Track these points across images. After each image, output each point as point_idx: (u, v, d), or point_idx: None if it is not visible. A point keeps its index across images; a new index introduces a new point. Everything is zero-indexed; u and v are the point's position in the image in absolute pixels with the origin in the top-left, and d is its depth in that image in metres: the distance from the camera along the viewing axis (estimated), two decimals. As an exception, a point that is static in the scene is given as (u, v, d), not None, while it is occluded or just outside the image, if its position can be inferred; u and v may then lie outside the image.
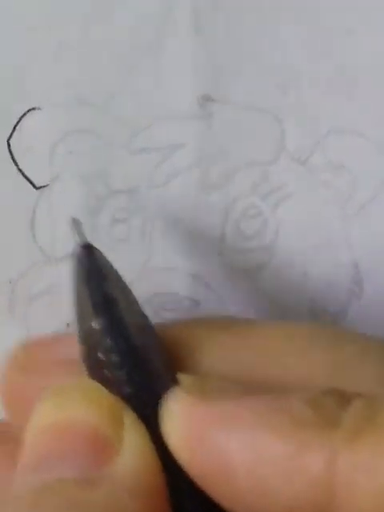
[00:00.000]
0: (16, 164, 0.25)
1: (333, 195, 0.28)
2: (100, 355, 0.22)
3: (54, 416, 0.22)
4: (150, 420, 0.21)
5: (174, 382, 0.22)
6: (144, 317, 0.24)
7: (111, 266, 0.24)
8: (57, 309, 0.27)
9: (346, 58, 0.27)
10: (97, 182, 0.26)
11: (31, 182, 0.26)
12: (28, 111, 0.25)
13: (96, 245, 0.27)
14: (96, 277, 0.23)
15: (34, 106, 0.25)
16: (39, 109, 0.25)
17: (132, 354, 0.22)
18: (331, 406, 0.20)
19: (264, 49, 0.27)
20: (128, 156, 0.26)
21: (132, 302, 0.24)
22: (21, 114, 0.25)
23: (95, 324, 0.22)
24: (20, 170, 0.25)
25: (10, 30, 0.24)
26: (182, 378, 0.22)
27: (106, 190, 0.26)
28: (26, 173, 0.26)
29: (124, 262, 0.27)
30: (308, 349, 0.24)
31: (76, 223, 0.24)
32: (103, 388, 0.22)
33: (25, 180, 0.26)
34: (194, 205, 0.27)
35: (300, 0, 0.26)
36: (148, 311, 0.27)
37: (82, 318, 0.23)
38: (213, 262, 0.28)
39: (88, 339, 0.23)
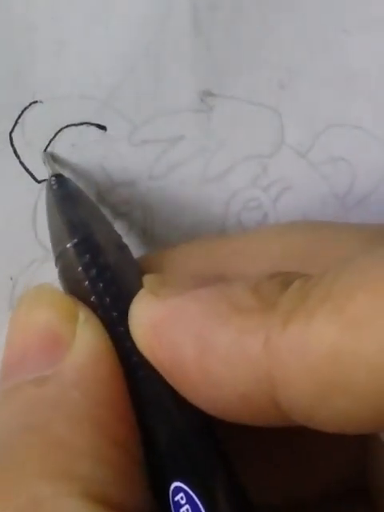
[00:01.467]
0: (18, 157, 0.25)
1: (332, 188, 0.28)
2: (75, 273, 0.23)
3: (18, 321, 0.23)
4: (126, 324, 0.22)
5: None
6: (116, 234, 0.25)
7: (83, 193, 0.25)
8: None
9: (344, 55, 0.28)
10: (98, 176, 0.27)
11: (33, 176, 0.26)
12: (30, 105, 0.25)
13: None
14: (68, 202, 0.24)
15: (35, 99, 0.25)
16: (41, 102, 0.25)
17: (108, 266, 0.23)
18: (272, 290, 0.20)
19: (263, 44, 0.27)
20: (129, 149, 0.27)
21: (104, 221, 0.25)
22: (23, 108, 0.25)
23: (71, 242, 0.23)
24: (22, 164, 0.26)
25: (13, 25, 0.24)
26: (146, 278, 0.23)
27: (107, 183, 0.27)
28: (28, 167, 0.26)
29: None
30: (281, 238, 0.24)
31: (48, 156, 0.26)
32: (58, 289, 0.23)
33: (27, 174, 0.26)
34: (195, 197, 0.28)
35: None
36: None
37: (57, 241, 0.24)
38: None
39: (65, 260, 0.24)
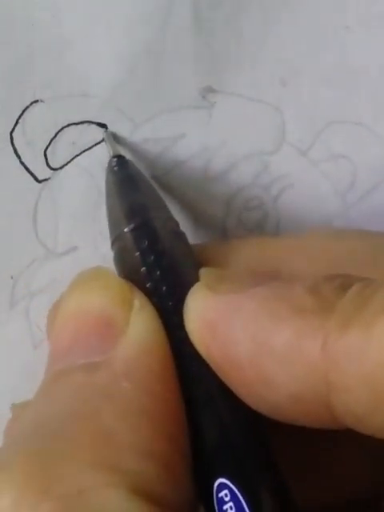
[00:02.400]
0: (18, 157, 0.25)
1: (333, 185, 0.29)
2: (131, 258, 0.23)
3: (71, 305, 0.23)
4: (181, 314, 0.22)
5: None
6: (174, 221, 0.25)
7: (142, 176, 0.25)
8: (59, 304, 0.27)
9: (346, 52, 0.28)
10: (99, 175, 0.27)
11: (33, 176, 0.26)
12: (31, 104, 0.25)
13: (98, 239, 0.27)
14: (127, 185, 0.24)
15: (36, 98, 0.25)
16: (42, 101, 0.25)
17: (166, 253, 0.23)
18: (330, 293, 0.20)
19: (265, 41, 0.27)
20: (130, 147, 0.27)
21: (163, 207, 0.25)
22: (24, 107, 0.25)
23: (129, 227, 0.23)
24: (22, 163, 0.26)
25: (14, 24, 0.24)
26: (203, 271, 0.23)
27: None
28: (29, 166, 0.26)
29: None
30: (338, 241, 0.24)
31: (109, 135, 0.26)
32: (115, 274, 0.23)
33: (27, 173, 0.26)
34: (196, 195, 0.28)
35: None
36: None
37: (114, 224, 0.24)
38: (214, 253, 0.28)
39: (122, 243, 0.24)
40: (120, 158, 0.25)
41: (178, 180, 0.28)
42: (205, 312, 0.21)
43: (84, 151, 0.26)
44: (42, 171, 0.26)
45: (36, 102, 0.25)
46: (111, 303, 0.22)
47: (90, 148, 0.26)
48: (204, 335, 0.21)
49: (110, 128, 0.26)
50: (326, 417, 0.19)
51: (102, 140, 0.26)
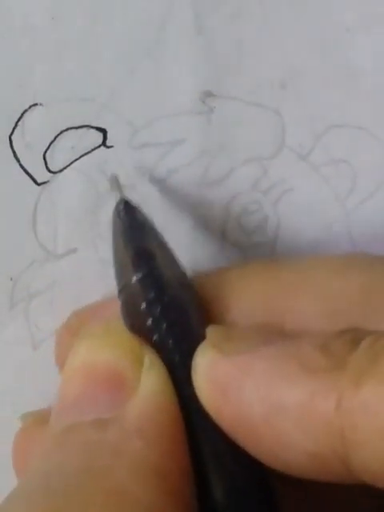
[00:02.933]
0: (18, 160, 0.26)
1: (334, 189, 0.29)
2: (138, 308, 0.23)
3: (80, 359, 0.23)
4: (187, 369, 0.22)
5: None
6: (181, 270, 0.25)
7: (150, 222, 0.25)
8: (58, 306, 0.28)
9: (346, 55, 0.28)
10: (98, 178, 0.27)
11: (33, 179, 0.26)
12: (30, 107, 0.26)
13: (97, 241, 0.27)
14: (134, 232, 0.24)
15: (35, 102, 0.26)
16: (41, 105, 0.26)
17: (172, 305, 0.23)
18: (341, 349, 0.20)
19: (264, 45, 0.27)
20: (129, 152, 0.27)
21: (169, 255, 0.25)
22: (23, 111, 0.26)
23: (136, 277, 0.23)
24: (21, 166, 0.26)
25: (13, 27, 0.25)
26: (210, 330, 0.23)
27: (107, 185, 0.27)
28: (28, 169, 0.26)
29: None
30: (340, 276, 0.24)
31: (115, 180, 0.26)
32: (126, 330, 0.23)
33: (26, 176, 0.26)
34: (195, 200, 0.28)
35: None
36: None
37: (122, 271, 0.24)
38: (214, 257, 0.29)
39: (128, 291, 0.24)
40: (127, 203, 0.25)
41: (177, 184, 0.28)
42: (214, 374, 0.22)
43: (83, 155, 0.27)
44: (41, 174, 0.26)
45: (35, 105, 0.26)
46: (122, 359, 0.22)
47: (89, 152, 0.27)
48: (214, 397, 0.22)
49: (109, 132, 0.27)
50: (342, 472, 0.20)
51: (101, 145, 0.27)
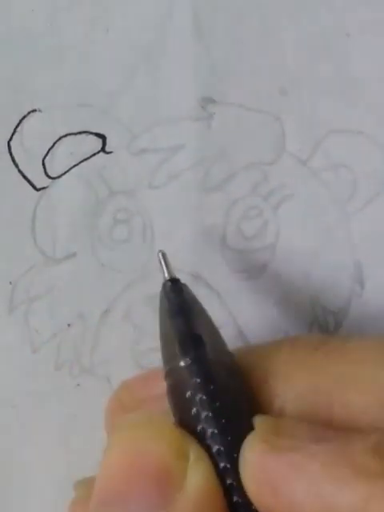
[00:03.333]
0: (17, 166, 0.26)
1: (334, 195, 0.29)
2: (186, 393, 0.23)
3: (123, 450, 0.22)
4: (231, 461, 0.22)
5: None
6: (228, 353, 0.24)
7: (197, 302, 0.24)
8: (57, 309, 0.28)
9: (346, 60, 0.28)
10: (97, 183, 0.27)
11: (32, 184, 0.26)
12: (29, 113, 0.26)
13: (96, 245, 0.27)
14: (183, 314, 0.24)
15: (34, 107, 0.26)
16: (40, 111, 0.26)
17: (217, 394, 0.22)
18: None
19: (264, 51, 0.27)
20: (129, 157, 0.27)
21: (217, 338, 0.24)
22: (21, 116, 0.26)
23: (182, 362, 0.23)
24: (20, 172, 0.26)
25: (12, 33, 0.25)
26: (258, 421, 0.22)
27: (106, 191, 0.27)
28: (27, 175, 0.26)
29: (125, 262, 0.28)
30: (381, 366, 0.24)
31: (164, 256, 0.25)
32: (170, 422, 0.23)
33: (25, 182, 0.26)
34: (195, 205, 0.28)
35: (300, 2, 0.27)
36: (149, 312, 0.28)
37: (168, 354, 0.24)
38: (214, 262, 0.29)
39: (174, 375, 0.23)
40: (175, 282, 0.24)
41: (177, 190, 0.28)
42: (264, 469, 0.21)
43: (82, 161, 0.27)
44: (40, 180, 0.27)
45: (34, 111, 0.26)
46: (168, 453, 0.22)
47: (88, 158, 0.27)
48: (264, 493, 0.21)
49: (109, 138, 0.27)
50: None
51: (100, 150, 0.27)
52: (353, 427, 0.22)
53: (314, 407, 0.23)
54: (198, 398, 0.22)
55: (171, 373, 0.23)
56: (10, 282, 0.27)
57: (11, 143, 0.26)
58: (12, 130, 0.26)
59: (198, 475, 0.22)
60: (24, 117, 0.26)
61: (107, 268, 0.28)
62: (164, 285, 0.24)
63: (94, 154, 0.27)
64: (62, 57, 0.26)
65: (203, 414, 0.22)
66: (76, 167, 0.27)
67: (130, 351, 0.28)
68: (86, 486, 0.26)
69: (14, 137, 0.26)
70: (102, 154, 0.27)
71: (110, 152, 0.27)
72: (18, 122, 0.26)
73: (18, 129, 0.26)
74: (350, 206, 0.29)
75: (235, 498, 0.22)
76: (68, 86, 0.26)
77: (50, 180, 0.27)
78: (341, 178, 0.29)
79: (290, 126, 0.28)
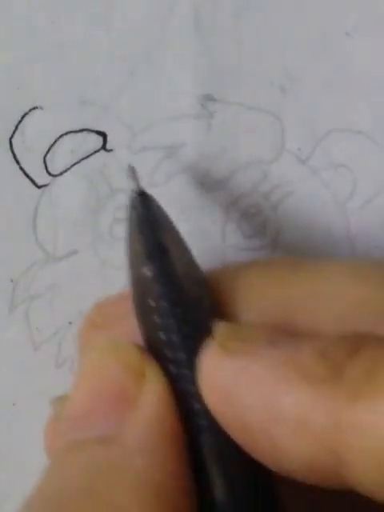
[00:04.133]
0: (18, 163, 0.26)
1: (333, 194, 0.29)
2: (149, 301, 0.23)
3: (86, 373, 0.23)
4: (194, 367, 0.22)
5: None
6: (195, 266, 0.24)
7: (165, 215, 0.25)
8: (58, 307, 0.28)
9: (346, 59, 0.28)
10: (98, 181, 0.27)
11: (33, 181, 0.27)
12: (30, 110, 0.26)
13: (98, 243, 0.28)
14: (150, 224, 0.24)
15: (35, 105, 0.26)
16: (41, 108, 0.26)
17: (181, 303, 0.23)
18: (341, 357, 0.20)
19: (264, 49, 0.28)
20: (129, 155, 0.27)
21: (184, 250, 0.25)
22: (23, 114, 0.26)
23: (146, 270, 0.23)
24: (22, 169, 0.26)
25: (13, 30, 0.25)
26: (217, 326, 0.22)
27: (107, 189, 0.27)
28: (28, 172, 0.27)
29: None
30: (357, 283, 0.24)
31: (131, 170, 0.25)
32: (131, 343, 0.23)
33: (27, 179, 0.27)
34: (195, 204, 0.28)
35: (300, 1, 0.27)
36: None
37: (134, 263, 0.24)
38: (213, 261, 0.29)
39: (139, 285, 0.23)
40: (143, 195, 0.25)
41: (176, 188, 0.28)
42: (217, 374, 0.21)
43: (83, 159, 0.27)
44: (41, 177, 0.27)
45: (35, 108, 0.26)
46: (124, 373, 0.22)
47: (89, 156, 0.27)
48: (217, 398, 0.21)
49: (109, 136, 0.27)
50: (339, 483, 0.19)
51: (101, 148, 0.27)
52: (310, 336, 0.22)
53: (278, 321, 0.23)
54: (160, 306, 0.23)
55: (136, 282, 0.23)
56: (11, 280, 0.27)
57: (13, 140, 0.26)
58: (13, 128, 0.26)
59: (151, 393, 0.22)
60: (25, 114, 0.26)
61: (108, 266, 0.28)
62: (131, 197, 0.25)
63: (95, 152, 0.27)
64: (64, 54, 0.26)
65: (165, 323, 0.22)
66: (77, 165, 0.27)
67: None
68: (63, 402, 0.26)
69: (16, 134, 0.26)
70: (102, 151, 0.27)
71: (111, 150, 0.27)
72: (19, 119, 0.26)
73: (20, 126, 0.26)
74: (349, 205, 0.29)
75: (198, 406, 0.22)
76: (69, 83, 0.26)
77: (51, 177, 0.27)
78: (340, 177, 0.29)
79: (290, 124, 0.28)
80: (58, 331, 0.28)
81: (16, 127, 0.26)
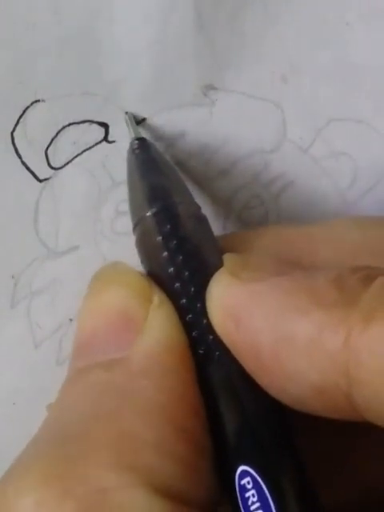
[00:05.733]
0: (19, 157, 0.26)
1: (334, 183, 0.29)
2: (153, 242, 0.23)
3: (91, 300, 0.23)
4: (203, 301, 0.22)
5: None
6: (197, 207, 0.25)
7: (164, 159, 0.25)
8: (59, 303, 0.28)
9: (346, 48, 0.28)
10: (100, 174, 0.27)
11: (34, 175, 0.26)
12: (31, 104, 0.25)
13: (99, 238, 0.27)
14: (150, 168, 0.25)
15: (37, 98, 0.25)
16: (42, 101, 0.26)
17: (185, 238, 0.23)
18: (354, 285, 0.20)
19: (266, 37, 0.27)
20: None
21: (185, 192, 0.25)
22: (24, 107, 0.25)
23: (149, 212, 0.23)
24: (23, 163, 0.26)
25: (14, 23, 0.25)
26: (226, 256, 0.23)
27: (109, 181, 0.27)
28: (30, 166, 0.26)
29: (127, 253, 0.28)
30: (362, 230, 0.25)
31: (130, 117, 0.26)
32: (133, 269, 0.24)
33: (28, 173, 0.26)
34: (196, 194, 0.28)
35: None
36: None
37: (136, 208, 0.24)
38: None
39: (142, 227, 0.24)
40: (141, 140, 0.25)
41: (178, 178, 0.28)
42: (228, 299, 0.22)
43: (85, 150, 0.27)
44: (43, 170, 0.26)
45: (37, 101, 0.26)
46: (130, 299, 0.22)
47: (91, 147, 0.27)
48: (227, 323, 0.22)
49: (111, 127, 0.27)
50: (347, 409, 0.20)
51: (103, 140, 0.27)
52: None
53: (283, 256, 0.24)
54: (168, 242, 0.23)
55: (140, 223, 0.24)
56: (13, 276, 0.27)
57: (14, 134, 0.25)
58: (15, 121, 0.25)
59: (159, 319, 0.22)
60: (27, 107, 0.25)
61: (110, 261, 0.27)
62: (131, 144, 0.25)
63: (97, 144, 0.27)
64: (65, 47, 0.25)
65: (173, 258, 0.23)
66: (79, 157, 0.27)
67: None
68: None
69: (17, 127, 0.25)
70: (104, 143, 0.27)
71: (113, 141, 0.27)
72: (21, 112, 0.25)
73: (21, 119, 0.25)
74: (350, 194, 0.29)
75: (206, 338, 0.22)
76: (70, 75, 0.26)
77: (53, 171, 0.26)
78: (341, 165, 0.29)
79: (291, 114, 0.28)
80: (59, 328, 0.28)
81: (18, 120, 0.25)
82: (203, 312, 0.22)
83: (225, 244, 0.25)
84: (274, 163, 0.29)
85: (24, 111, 0.25)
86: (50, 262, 0.27)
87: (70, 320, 0.28)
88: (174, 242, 0.23)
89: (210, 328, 0.22)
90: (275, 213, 0.29)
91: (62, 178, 0.27)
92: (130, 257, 0.27)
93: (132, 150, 0.25)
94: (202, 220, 0.25)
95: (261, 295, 0.21)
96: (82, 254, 0.28)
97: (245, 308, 0.21)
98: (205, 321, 0.22)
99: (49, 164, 0.26)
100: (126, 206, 0.28)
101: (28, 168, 0.26)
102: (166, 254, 0.23)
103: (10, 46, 0.25)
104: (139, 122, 0.27)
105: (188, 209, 0.24)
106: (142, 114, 0.27)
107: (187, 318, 0.23)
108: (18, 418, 0.28)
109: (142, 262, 0.24)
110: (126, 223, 0.28)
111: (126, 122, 0.26)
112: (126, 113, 0.26)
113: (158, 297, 0.23)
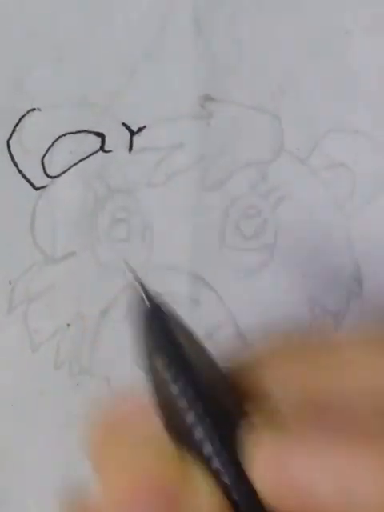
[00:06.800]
0: (16, 165, 0.26)
1: (333, 194, 0.29)
2: (181, 420, 0.22)
3: (122, 471, 0.22)
4: (228, 457, 0.22)
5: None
6: (216, 367, 0.24)
7: (181, 324, 0.24)
8: (56, 309, 0.28)
9: (345, 58, 0.28)
10: (96, 182, 0.27)
11: (31, 183, 0.27)
12: (28, 112, 0.26)
13: (96, 244, 0.28)
14: (168, 342, 0.23)
15: (33, 106, 0.26)
16: (39, 110, 0.26)
17: (210, 415, 0.22)
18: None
19: (264, 49, 0.28)
20: (127, 156, 0.28)
21: (206, 358, 0.24)
22: (21, 115, 0.26)
23: (173, 389, 0.22)
24: (20, 171, 0.27)
25: (12, 32, 0.25)
26: (255, 419, 0.22)
27: (105, 189, 0.28)
28: (26, 174, 0.27)
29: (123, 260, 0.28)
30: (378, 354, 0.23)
31: (139, 282, 0.23)
32: (171, 442, 0.22)
33: (25, 181, 0.27)
34: (194, 205, 0.29)
35: (299, 1, 0.27)
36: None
37: (159, 384, 0.23)
38: (213, 261, 0.29)
39: (168, 404, 0.23)
40: (156, 311, 0.23)
41: (175, 189, 0.28)
42: (280, 463, 0.21)
43: (81, 160, 0.27)
44: (39, 179, 0.27)
45: (33, 110, 0.26)
46: (171, 471, 0.22)
47: (87, 157, 0.27)
48: (280, 487, 0.21)
49: (108, 137, 0.27)
50: None
51: (99, 149, 0.27)
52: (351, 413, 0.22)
53: (312, 399, 0.23)
54: (190, 421, 0.22)
55: (164, 401, 0.22)
56: (10, 282, 0.28)
57: (10, 142, 0.26)
58: (11, 129, 0.26)
59: (197, 493, 0.21)
60: (23, 116, 0.26)
61: (106, 267, 0.28)
62: (144, 312, 0.23)
63: (93, 153, 0.27)
64: (62, 56, 0.26)
65: (198, 437, 0.22)
66: (75, 166, 0.27)
67: (129, 351, 0.29)
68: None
69: (13, 136, 0.26)
70: (101, 152, 0.27)
71: (109, 151, 0.27)
72: (17, 121, 0.26)
73: (17, 128, 0.26)
74: (348, 204, 0.29)
75: (235, 497, 0.21)
76: (67, 85, 0.26)
77: (50, 179, 0.27)
78: (340, 176, 0.29)
79: (289, 124, 0.29)
80: (57, 333, 0.28)
81: (14, 129, 0.26)
82: (228, 469, 0.21)
83: (239, 375, 0.23)
84: (272, 174, 0.29)
85: (20, 120, 0.26)
86: (47, 268, 0.28)
87: (68, 325, 0.28)
88: (192, 391, 0.22)
89: (240, 489, 0.21)
90: (273, 223, 0.29)
91: (58, 187, 0.27)
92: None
93: (147, 323, 0.23)
94: (218, 377, 0.23)
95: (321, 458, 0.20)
96: (79, 259, 0.28)
97: (296, 460, 0.20)
98: (229, 479, 0.21)
99: (45, 172, 0.27)
100: (122, 214, 0.28)
101: (24, 176, 0.27)
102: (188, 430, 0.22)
103: (7, 54, 0.25)
104: (138, 130, 0.28)
105: (209, 376, 0.23)
106: (138, 124, 0.27)
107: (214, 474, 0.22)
108: (15, 421, 0.29)
109: (158, 411, 0.23)
110: (123, 230, 0.28)
111: (138, 288, 0.23)
112: (135, 279, 0.24)
113: (194, 469, 0.22)
